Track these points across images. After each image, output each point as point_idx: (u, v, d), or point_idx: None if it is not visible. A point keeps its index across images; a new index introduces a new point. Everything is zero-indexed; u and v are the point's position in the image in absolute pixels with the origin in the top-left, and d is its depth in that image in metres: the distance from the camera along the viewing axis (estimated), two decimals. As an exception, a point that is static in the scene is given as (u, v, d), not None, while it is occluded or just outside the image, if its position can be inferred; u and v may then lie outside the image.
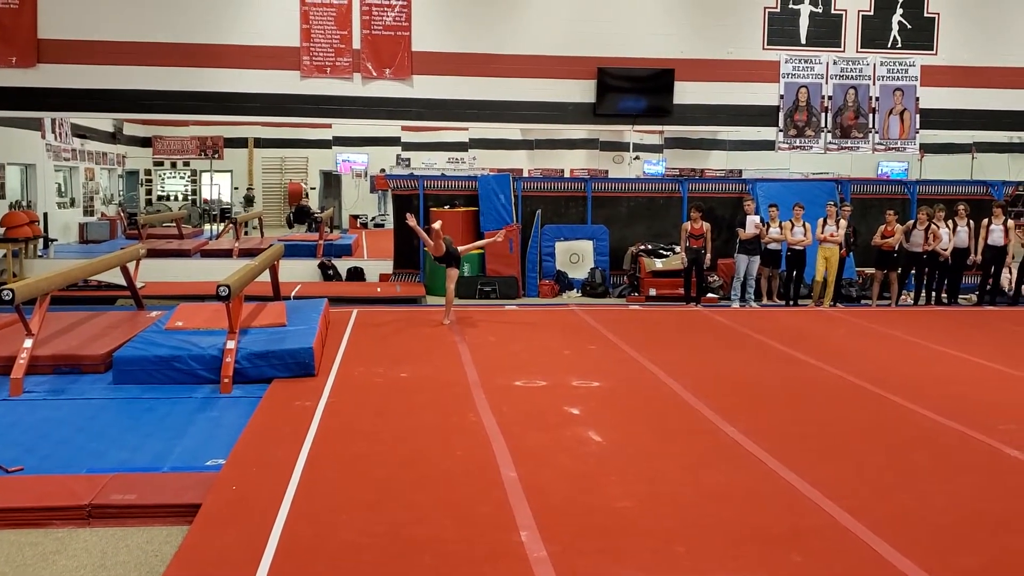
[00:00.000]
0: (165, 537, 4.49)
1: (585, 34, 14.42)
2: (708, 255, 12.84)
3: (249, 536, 4.31)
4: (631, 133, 22.80)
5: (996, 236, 12.91)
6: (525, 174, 21.01)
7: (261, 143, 24.67)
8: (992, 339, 10.27)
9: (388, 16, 13.90)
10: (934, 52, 15.11)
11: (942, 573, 3.99)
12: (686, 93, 14.61)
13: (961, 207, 13.10)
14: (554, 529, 4.45)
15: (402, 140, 23.33)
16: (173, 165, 25.65)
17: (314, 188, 25.39)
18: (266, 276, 10.64)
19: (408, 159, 22.77)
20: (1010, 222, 13.19)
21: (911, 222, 13.01)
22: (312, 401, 6.85)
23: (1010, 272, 13.49)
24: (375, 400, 7.04)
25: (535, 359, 8.72)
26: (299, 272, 14.01)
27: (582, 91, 14.49)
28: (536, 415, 6.64)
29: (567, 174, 22.46)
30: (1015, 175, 19.19)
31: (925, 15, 15.02)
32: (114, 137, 21.94)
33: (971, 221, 13.13)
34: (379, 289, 13.48)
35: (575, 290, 13.90)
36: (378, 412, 6.68)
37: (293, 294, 11.99)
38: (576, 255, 14.25)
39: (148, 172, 25.54)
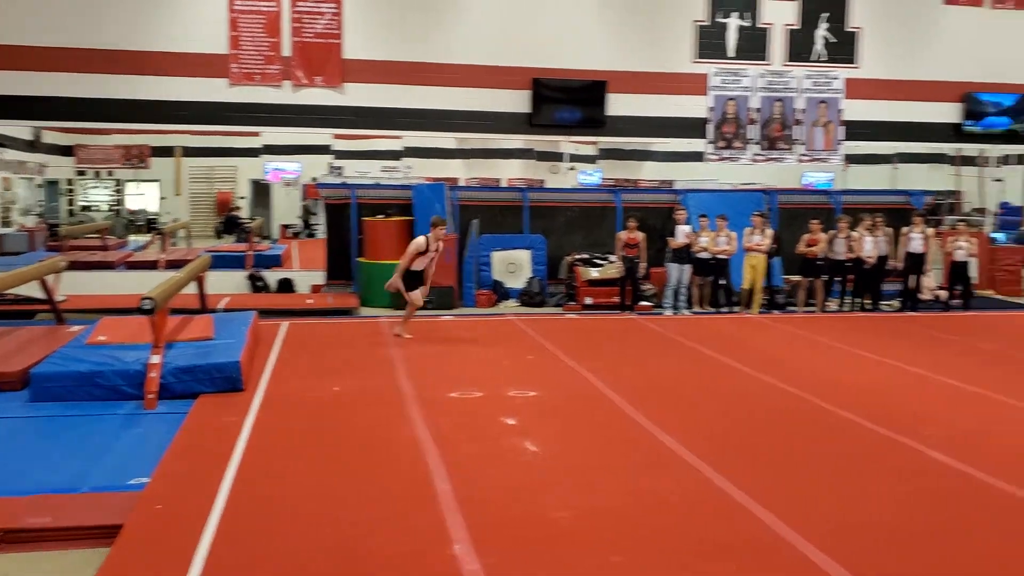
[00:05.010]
0: (85, 561, 4.31)
1: (520, 44, 14.45)
2: (643, 264, 12.98)
3: (174, 557, 4.16)
4: (566, 144, 22.90)
5: (916, 244, 13.30)
6: (461, 183, 21.05)
7: (189, 152, 24.19)
8: (913, 344, 10.54)
9: (318, 24, 13.73)
10: (857, 66, 15.52)
11: (871, 577, 4.05)
12: (619, 105, 14.73)
13: (878, 218, 13.45)
14: (489, 542, 4.40)
15: (335, 148, 23.16)
16: (97, 174, 24.97)
17: (244, 197, 24.96)
18: (194, 288, 10.38)
19: (341, 168, 22.54)
20: (929, 230, 13.62)
21: (834, 231, 13.33)
22: (240, 416, 6.68)
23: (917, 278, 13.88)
24: (306, 415, 6.90)
25: (471, 370, 8.66)
26: (228, 284, 13.70)
27: (518, 101, 14.51)
28: (472, 427, 6.59)
29: (504, 183, 22.56)
30: (934, 185, 19.88)
31: (847, 30, 15.43)
32: (32, 145, 21.24)
33: (891, 229, 13.52)
34: (311, 301, 13.27)
35: (512, 300, 13.89)
36: (309, 427, 6.55)
37: (221, 306, 11.72)
38: (513, 265, 14.25)
39: (70, 182, 24.81)
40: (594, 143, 21.42)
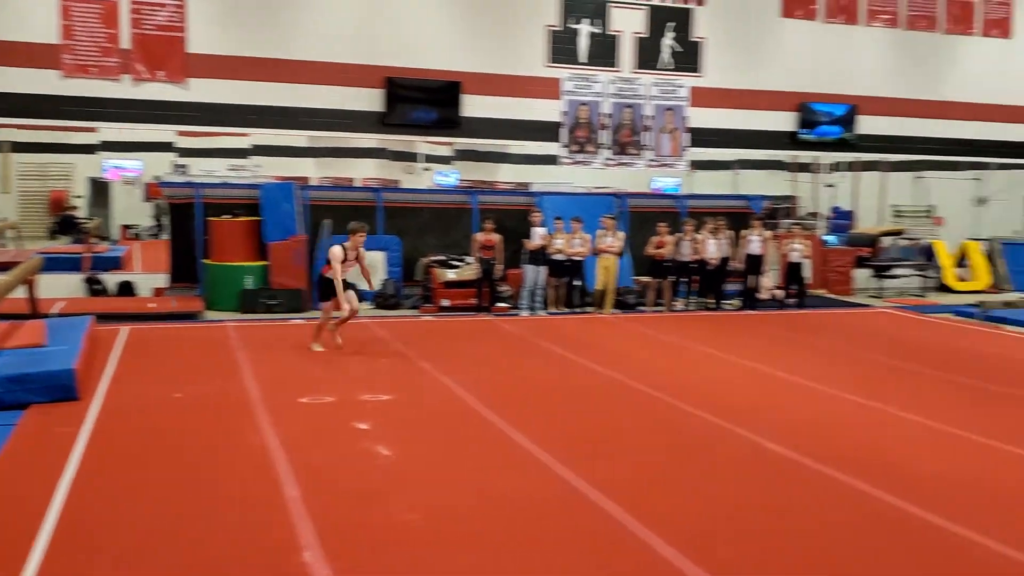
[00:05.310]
0: None
1: (373, 42, 14.28)
2: (499, 265, 13.08)
3: (-6, 581, 3.88)
4: (422, 144, 22.78)
5: (754, 246, 13.98)
6: (313, 183, 20.63)
7: (19, 147, 22.66)
8: (753, 341, 11.07)
9: (160, 15, 13.12)
10: (701, 75, 16.17)
11: (710, 564, 4.21)
12: (474, 106, 14.79)
13: (720, 222, 14.04)
14: (339, 548, 4.34)
15: (179, 146, 22.23)
16: (-87, 170, 23.00)
17: (81, 196, 23.60)
18: (24, 292, 9.74)
19: (186, 166, 21.69)
20: (767, 233, 14.36)
21: (680, 234, 13.84)
22: (75, 427, 6.31)
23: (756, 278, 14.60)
24: (147, 424, 6.59)
25: (322, 374, 8.50)
26: (62, 287, 12.92)
27: (371, 100, 14.34)
28: (322, 432, 6.46)
29: (358, 183, 22.26)
30: (771, 190, 20.96)
31: (692, 39, 16.05)
32: None
33: (732, 232, 14.16)
34: (153, 304, 12.68)
35: (366, 302, 13.68)
36: (150, 436, 6.25)
37: (55, 311, 11.04)
38: (368, 266, 14.02)
39: None
40: (449, 144, 21.39)
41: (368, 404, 7.32)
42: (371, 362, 9.16)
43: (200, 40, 13.41)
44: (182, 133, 19.80)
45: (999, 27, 18.07)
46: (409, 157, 24.19)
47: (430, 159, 24.21)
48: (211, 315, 12.34)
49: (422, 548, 4.39)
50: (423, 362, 9.04)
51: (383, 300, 13.52)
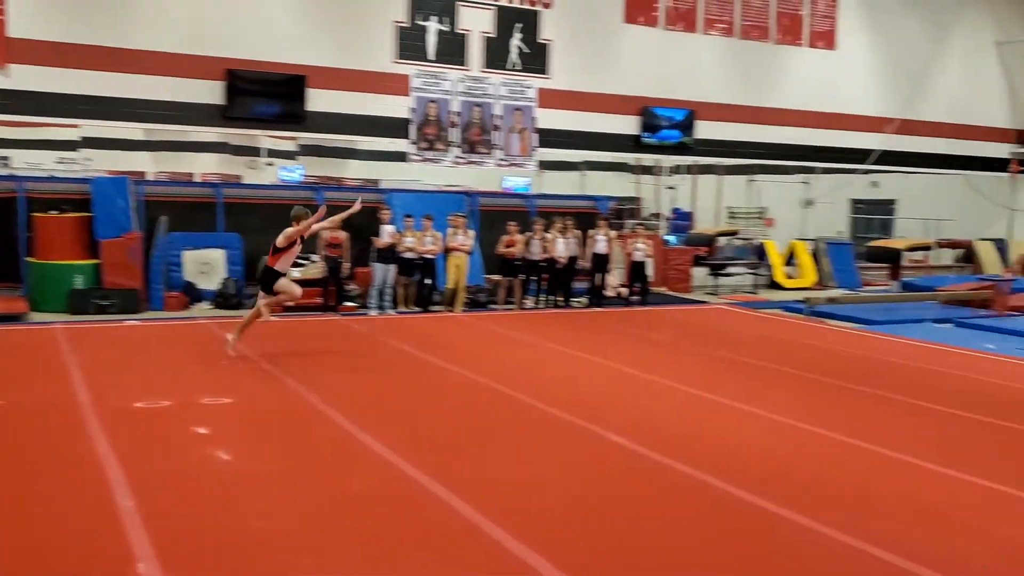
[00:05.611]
0: None
1: (213, 33, 13.76)
2: (346, 264, 12.86)
3: None
4: (265, 138, 22.15)
5: (600, 245, 14.36)
6: (149, 177, 19.68)
7: None
8: (599, 337, 11.36)
9: (-25, -6, 12.21)
10: (548, 77, 16.45)
11: (558, 557, 4.27)
12: (320, 101, 14.50)
13: (568, 221, 14.34)
14: (177, 558, 4.15)
15: (-1, 136, 20.68)
16: None
17: None
18: None
19: (7, 158, 20.27)
20: (612, 233, 14.77)
21: (530, 233, 14.04)
22: None
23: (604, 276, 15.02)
24: (-40, 433, 6.09)
25: (159, 378, 8.10)
26: None
27: (211, 92, 13.81)
28: (159, 438, 6.15)
29: (197, 178, 21.40)
30: (617, 191, 21.59)
31: (540, 41, 16.31)
32: None
33: (580, 232, 14.49)
34: (-31, 306, 11.75)
35: (206, 302, 13.18)
36: (-37, 447, 5.78)
37: None
38: (207, 265, 13.50)
39: None
40: (294, 139, 20.93)
41: (208, 408, 7.03)
42: (211, 364, 8.80)
43: (22, 24, 12.56)
44: (2, 123, 18.45)
45: (824, 39, 19.29)
46: (252, 152, 23.46)
47: (274, 154, 23.55)
48: (37, 317, 11.56)
49: (266, 554, 4.26)
50: (266, 364, 8.77)
51: (224, 300, 13.05)
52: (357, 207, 9.55)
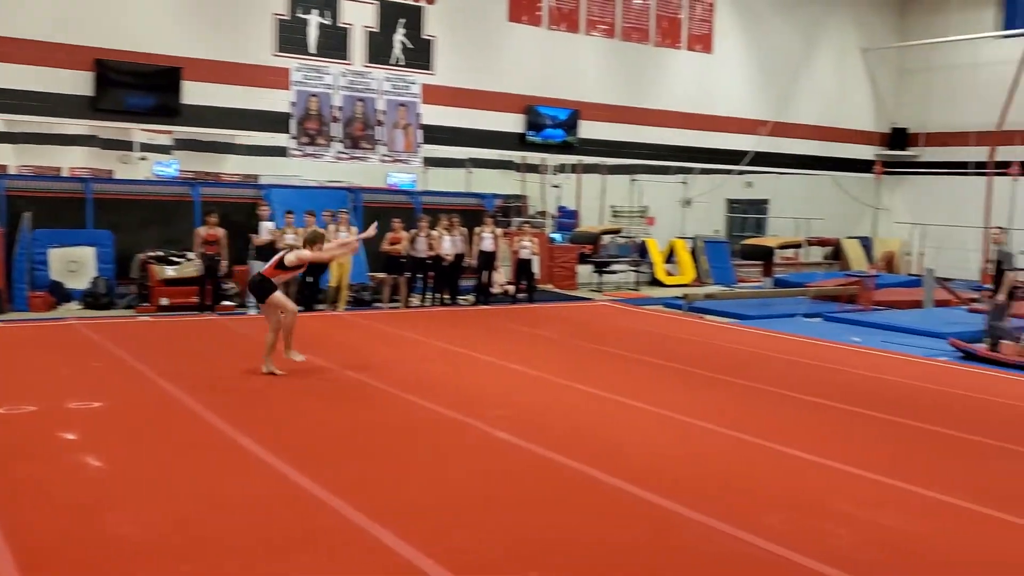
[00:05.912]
0: None
1: (81, 21, 13.14)
2: (224, 262, 12.47)
3: None
4: (138, 132, 21.27)
5: (487, 243, 14.39)
6: (12, 171, 18.58)
7: None
8: (486, 334, 11.38)
9: None
10: (433, 73, 16.37)
11: (440, 555, 4.24)
12: (196, 94, 14.04)
13: (454, 219, 14.33)
14: (41, 570, 3.94)
15: None
16: None
17: None
18: None
19: None
20: (498, 231, 14.82)
21: (415, 230, 13.94)
22: None
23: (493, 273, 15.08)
24: None
25: (22, 381, 7.67)
26: None
27: (78, 83, 13.19)
28: (21, 445, 5.82)
29: (65, 173, 20.33)
30: (503, 189, 21.66)
31: (424, 37, 16.22)
32: None
33: (466, 229, 14.48)
34: None
35: (75, 302, 12.55)
36: None
37: None
38: (75, 263, 12.86)
39: None
40: (169, 132, 20.17)
41: (76, 412, 6.69)
42: (79, 366, 8.38)
43: None
44: None
45: (702, 42, 19.88)
46: (124, 146, 22.40)
47: (147, 148, 22.58)
48: None
49: (139, 562, 4.08)
50: (139, 365, 8.42)
51: (94, 300, 12.48)
52: (372, 232, 9.25)
